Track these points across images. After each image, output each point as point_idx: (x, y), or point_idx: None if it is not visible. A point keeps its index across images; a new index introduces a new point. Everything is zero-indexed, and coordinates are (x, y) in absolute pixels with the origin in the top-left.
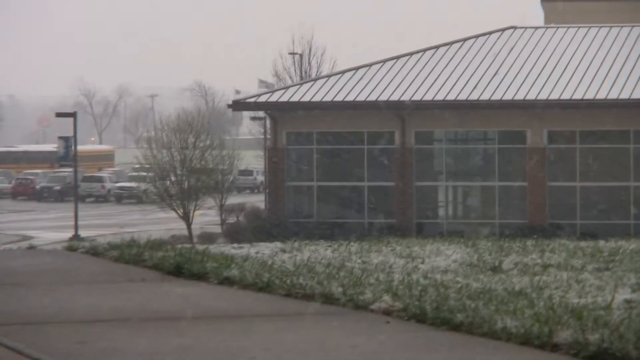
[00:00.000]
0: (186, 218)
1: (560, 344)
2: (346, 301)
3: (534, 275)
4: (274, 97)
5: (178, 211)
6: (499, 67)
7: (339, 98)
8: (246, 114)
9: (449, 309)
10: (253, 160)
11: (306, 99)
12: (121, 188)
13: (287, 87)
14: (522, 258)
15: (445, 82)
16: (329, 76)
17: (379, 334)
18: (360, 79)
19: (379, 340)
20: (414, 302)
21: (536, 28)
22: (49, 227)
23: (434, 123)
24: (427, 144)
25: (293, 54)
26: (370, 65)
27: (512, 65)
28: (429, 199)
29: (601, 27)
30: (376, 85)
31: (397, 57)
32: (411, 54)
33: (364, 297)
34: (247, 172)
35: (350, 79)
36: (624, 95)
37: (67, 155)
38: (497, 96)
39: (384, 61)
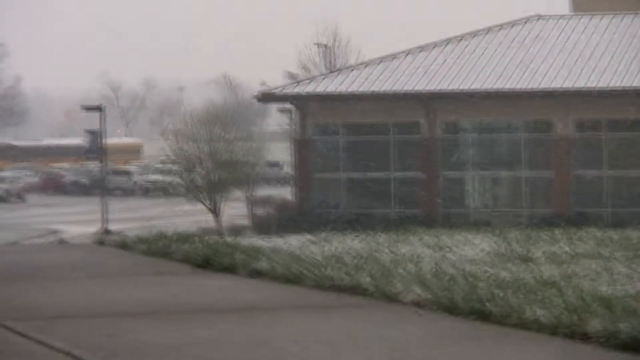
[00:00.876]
0: (214, 210)
1: (590, 333)
2: (375, 292)
3: (562, 264)
4: (300, 89)
5: (206, 204)
6: (525, 56)
7: (365, 89)
8: (273, 106)
9: (478, 299)
10: (280, 152)
11: (332, 89)
12: (149, 181)
13: (313, 78)
14: (550, 247)
15: (471, 72)
16: (354, 67)
17: (408, 324)
18: (386, 69)
19: (408, 330)
20: (443, 292)
21: (562, 16)
22: (76, 221)
23: (460, 113)
24: (453, 133)
25: (318, 44)
26: (396, 55)
27: (538, 53)
28: (456, 189)
29: (627, 14)
30: (402, 75)
31: (423, 47)
32: (437, 43)
33: (393, 288)
34: (274, 164)
35: (375, 69)
36: None
37: (94, 148)
38: (523, 85)
39: (410, 51)
